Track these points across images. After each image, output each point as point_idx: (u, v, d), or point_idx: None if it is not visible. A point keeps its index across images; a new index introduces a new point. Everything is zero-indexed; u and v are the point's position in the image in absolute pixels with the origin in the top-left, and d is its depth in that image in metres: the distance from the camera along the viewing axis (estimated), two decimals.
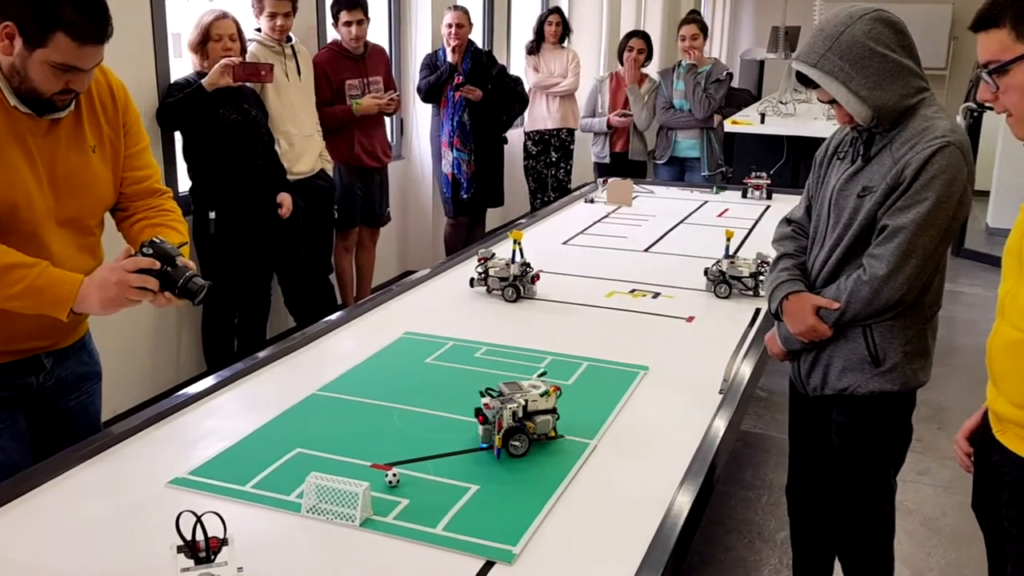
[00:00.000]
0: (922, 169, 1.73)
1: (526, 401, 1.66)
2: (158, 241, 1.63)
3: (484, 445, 1.67)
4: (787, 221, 2.11)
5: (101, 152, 1.77)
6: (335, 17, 4.18)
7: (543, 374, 1.79)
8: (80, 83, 1.63)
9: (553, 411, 1.70)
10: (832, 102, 1.83)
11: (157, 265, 1.60)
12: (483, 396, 1.68)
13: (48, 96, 1.61)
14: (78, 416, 1.91)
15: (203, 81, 3.32)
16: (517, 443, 1.64)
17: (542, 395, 1.68)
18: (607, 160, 5.14)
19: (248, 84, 3.54)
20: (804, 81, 1.85)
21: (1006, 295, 1.47)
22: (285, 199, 3.63)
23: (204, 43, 3.41)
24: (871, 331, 1.86)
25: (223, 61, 3.32)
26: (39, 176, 1.66)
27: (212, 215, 3.42)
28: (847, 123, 1.86)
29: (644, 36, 5.13)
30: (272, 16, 3.73)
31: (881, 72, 1.76)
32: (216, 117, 3.37)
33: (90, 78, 1.66)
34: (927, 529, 2.90)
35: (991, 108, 1.47)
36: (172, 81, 3.47)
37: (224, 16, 3.43)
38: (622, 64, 5.06)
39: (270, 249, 3.68)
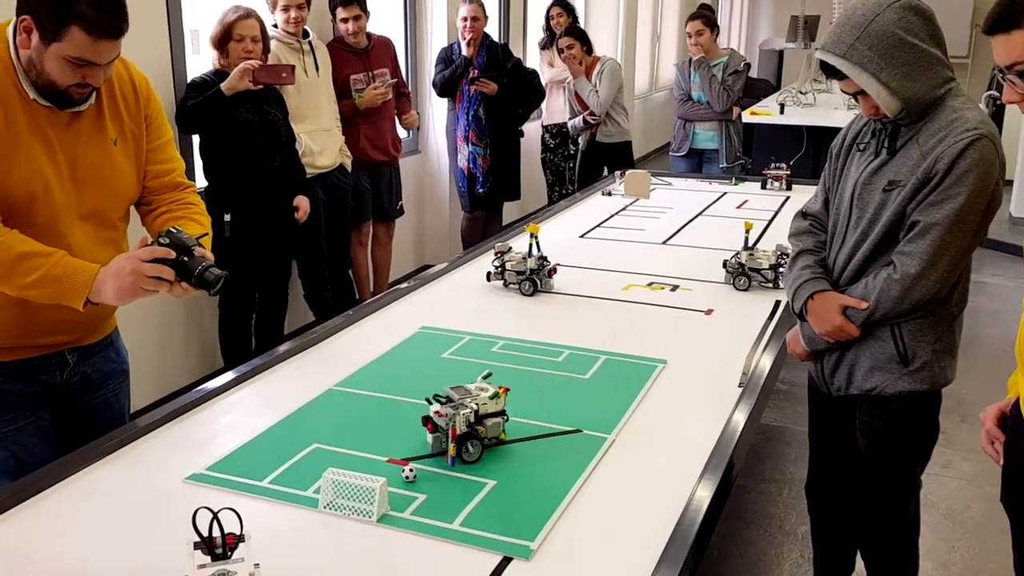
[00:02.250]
0: (955, 163, 1.68)
1: (477, 406, 1.61)
2: (175, 231, 1.62)
3: (434, 454, 1.62)
4: (803, 215, 2.05)
5: (123, 145, 1.78)
6: (332, 13, 4.19)
7: (488, 375, 1.71)
8: (96, 77, 1.63)
9: (502, 413, 1.65)
10: (859, 93, 1.77)
11: (172, 255, 1.59)
12: (431, 403, 1.63)
13: (64, 89, 1.61)
14: (103, 414, 1.92)
15: (222, 85, 3.23)
16: (471, 449, 1.59)
17: (491, 398, 1.63)
18: (585, 148, 5.27)
19: (290, 87, 3.49)
20: (829, 71, 1.78)
21: None
22: (302, 202, 3.55)
23: (225, 41, 3.32)
24: (900, 330, 1.81)
25: (242, 65, 3.22)
26: (59, 168, 1.67)
27: (227, 218, 3.35)
28: (873, 115, 1.80)
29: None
30: (286, 9, 3.74)
31: (911, 63, 1.71)
32: (234, 118, 3.30)
33: (108, 72, 1.66)
34: (951, 522, 2.86)
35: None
36: (190, 80, 3.39)
37: (248, 15, 3.33)
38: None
39: (287, 249, 3.62)
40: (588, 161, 5.27)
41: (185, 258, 1.60)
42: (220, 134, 3.33)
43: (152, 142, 1.84)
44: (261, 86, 3.31)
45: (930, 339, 1.82)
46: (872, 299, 1.79)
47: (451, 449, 1.58)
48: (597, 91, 5.06)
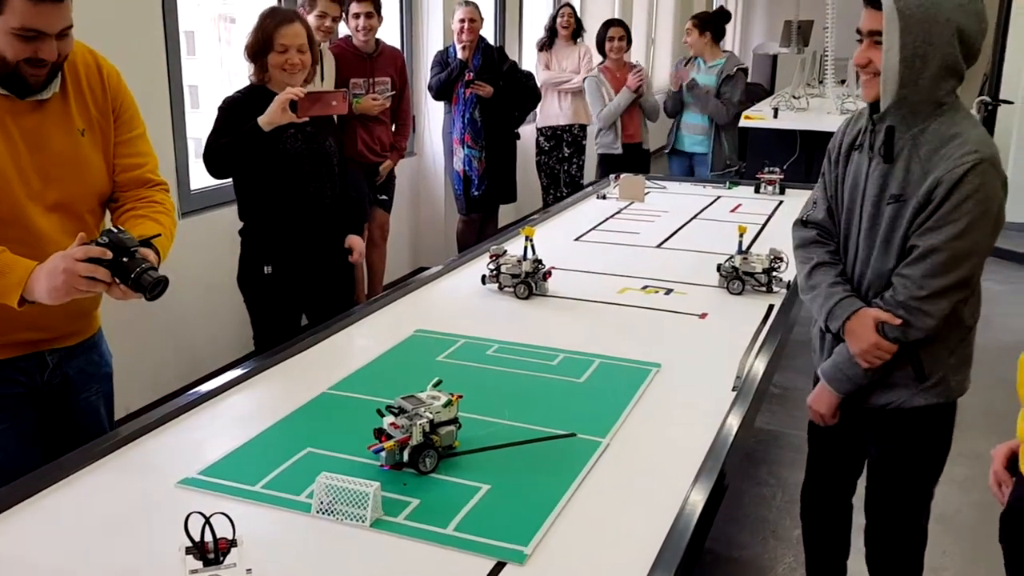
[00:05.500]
0: (955, 188, 1.64)
1: (432, 415, 1.58)
2: (115, 231, 1.57)
3: (387, 467, 1.58)
4: (804, 223, 1.97)
5: (91, 136, 1.74)
6: (345, 10, 4.17)
7: (438, 383, 1.68)
8: (49, 50, 1.58)
9: (455, 421, 1.63)
10: (872, 35, 1.68)
11: (109, 255, 1.54)
12: (383, 415, 1.60)
13: (15, 67, 1.57)
14: (84, 417, 1.90)
15: (260, 120, 2.52)
16: (428, 459, 1.57)
17: (445, 406, 1.61)
18: (619, 151, 5.05)
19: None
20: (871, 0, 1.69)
21: None
22: (356, 243, 2.84)
23: (265, 52, 2.61)
24: (915, 347, 1.78)
25: (283, 95, 2.51)
26: (19, 159, 1.63)
27: (268, 269, 2.72)
28: (862, 66, 1.73)
29: (623, 25, 5.22)
30: (322, 16, 3.72)
31: (939, 55, 1.64)
32: (277, 147, 2.61)
33: (65, 49, 1.62)
34: (942, 527, 2.86)
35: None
36: (221, 104, 2.67)
37: (293, 19, 2.64)
38: (603, 55, 5.11)
39: (339, 296, 2.90)
40: (625, 165, 4.92)
41: (124, 259, 1.55)
42: (261, 168, 2.64)
43: (122, 135, 1.80)
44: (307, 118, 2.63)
45: (945, 355, 1.80)
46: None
47: (405, 458, 1.55)
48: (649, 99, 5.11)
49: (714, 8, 5.59)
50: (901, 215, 1.73)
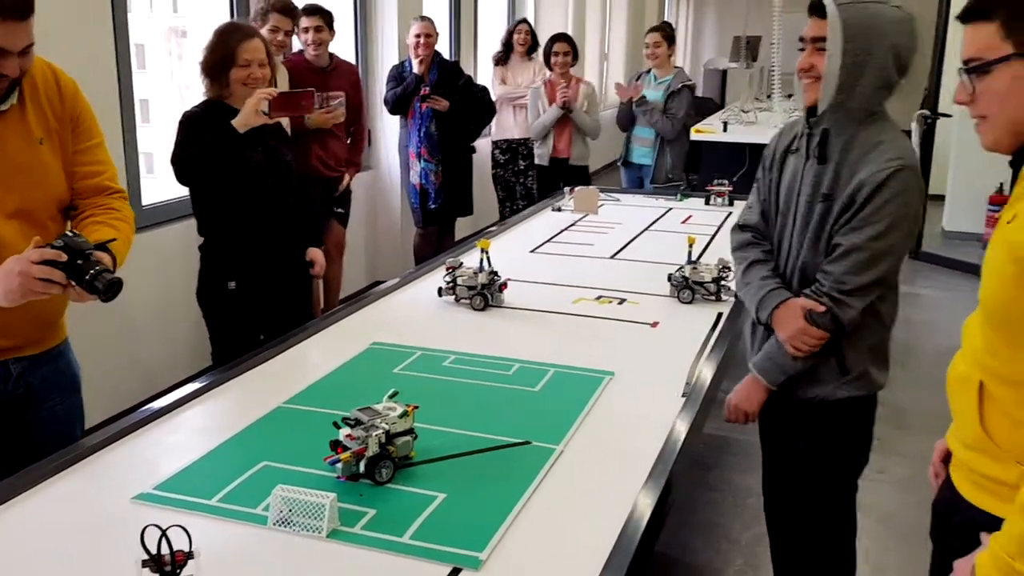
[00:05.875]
0: (876, 191, 1.76)
1: (388, 426, 1.60)
2: (71, 234, 1.63)
3: (343, 478, 1.59)
4: (740, 227, 2.08)
5: (49, 144, 1.78)
6: (296, 23, 4.19)
7: (394, 395, 1.70)
8: (11, 67, 1.62)
9: (411, 432, 1.65)
10: (816, 41, 1.79)
11: (64, 257, 1.59)
12: (339, 427, 1.61)
13: None
14: (49, 426, 1.90)
15: (234, 122, 2.55)
16: (385, 470, 1.59)
17: (400, 416, 1.63)
18: (545, 163, 5.27)
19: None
20: (813, 9, 1.80)
21: (966, 326, 1.38)
22: (317, 256, 2.86)
23: (226, 68, 2.62)
24: (838, 344, 1.89)
25: (259, 94, 2.56)
26: None
27: (232, 285, 2.71)
28: (804, 71, 1.84)
29: (568, 40, 5.27)
30: (274, 31, 3.72)
31: (876, 65, 1.76)
32: (242, 160, 2.60)
33: (26, 65, 1.65)
34: (884, 526, 2.96)
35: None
36: (185, 114, 2.67)
37: (253, 35, 2.69)
38: (550, 68, 5.21)
39: (300, 309, 2.90)
40: (549, 178, 5.26)
41: (79, 261, 1.60)
42: (224, 181, 2.63)
43: (80, 144, 1.84)
44: (276, 120, 2.69)
45: (864, 351, 1.91)
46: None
47: (362, 469, 1.57)
48: (590, 118, 5.20)
49: (660, 23, 5.67)
50: (829, 214, 1.85)
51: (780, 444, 2.13)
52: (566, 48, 5.15)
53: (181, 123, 2.66)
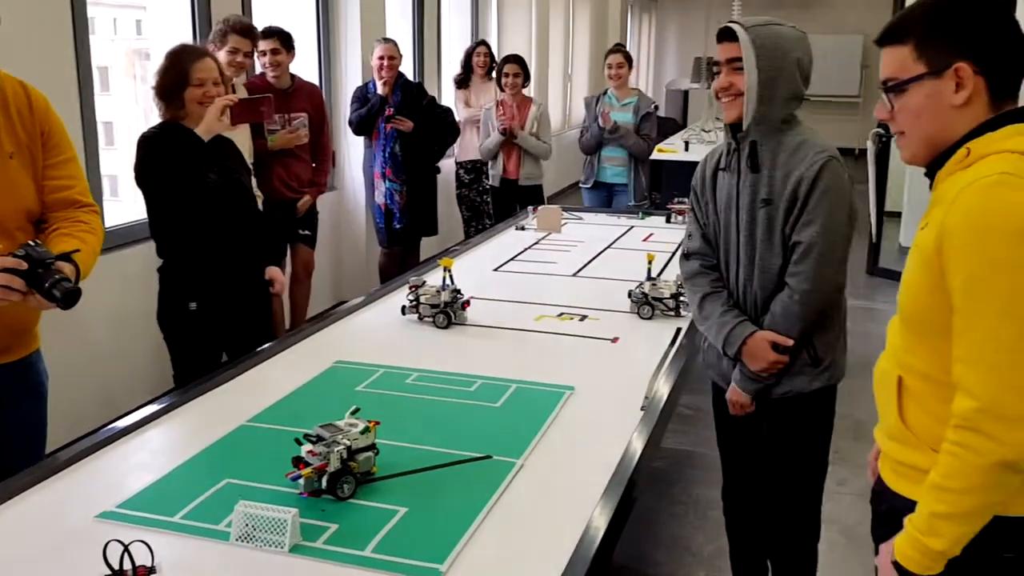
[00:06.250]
0: (815, 184, 1.93)
1: (350, 442, 1.62)
2: (32, 244, 1.70)
3: (306, 494, 1.61)
4: (687, 256, 2.18)
5: (20, 158, 1.84)
6: (255, 45, 4.21)
7: (356, 411, 1.73)
8: None
9: (373, 448, 1.67)
10: (731, 62, 1.95)
11: (24, 266, 1.65)
12: (301, 444, 1.64)
13: None
14: (14, 434, 1.92)
15: (198, 130, 2.61)
16: (346, 485, 1.61)
17: (362, 432, 1.65)
18: (498, 184, 5.35)
19: (225, 135, 2.78)
20: (723, 36, 1.97)
21: (890, 326, 1.48)
22: (276, 275, 2.86)
23: (181, 89, 2.65)
24: (810, 336, 2.02)
25: (220, 101, 2.62)
26: None
27: (193, 306, 2.70)
28: (722, 90, 2.00)
29: (518, 61, 5.33)
30: (233, 52, 3.73)
31: (787, 76, 1.95)
32: (200, 179, 2.62)
33: None
34: (846, 538, 3.02)
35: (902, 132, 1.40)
36: (143, 135, 2.70)
37: (204, 55, 2.75)
38: (501, 89, 5.29)
39: (262, 327, 2.89)
40: (502, 199, 5.38)
41: (39, 270, 1.67)
42: (183, 199, 2.64)
43: (50, 158, 1.90)
44: (235, 128, 2.77)
45: (832, 340, 2.06)
46: (784, 328, 1.99)
47: (323, 485, 1.59)
48: (540, 140, 5.25)
49: (616, 45, 5.77)
50: (774, 216, 1.99)
51: (745, 445, 2.21)
52: (516, 69, 5.22)
53: (139, 143, 2.68)
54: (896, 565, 1.29)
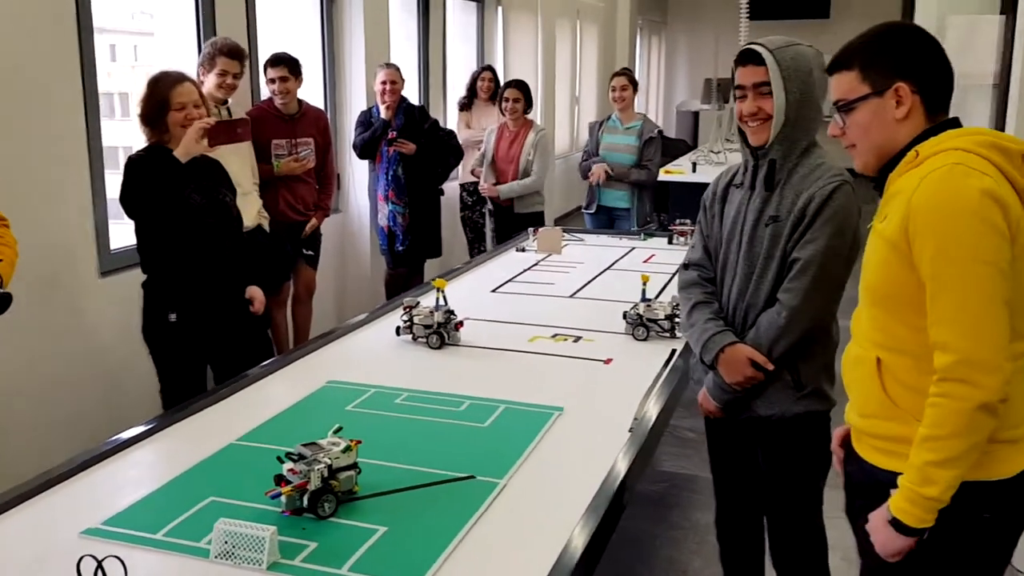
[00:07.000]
0: (825, 204, 1.94)
1: (330, 460, 1.63)
2: None
3: (287, 512, 1.62)
4: (686, 266, 2.21)
5: None
6: (265, 73, 4.28)
7: (338, 430, 1.74)
8: None
9: (354, 466, 1.68)
10: (759, 86, 1.95)
11: None
12: (283, 462, 1.65)
13: None
14: None
15: (176, 152, 2.68)
16: (327, 504, 1.62)
17: (344, 451, 1.66)
18: (491, 208, 5.33)
19: (210, 155, 2.88)
20: (746, 58, 1.98)
21: (853, 320, 1.62)
22: (255, 294, 2.95)
23: (162, 114, 2.74)
24: (794, 361, 2.01)
25: (198, 124, 2.70)
26: None
27: (173, 317, 2.75)
28: (751, 115, 1.99)
29: (519, 87, 5.30)
30: (223, 74, 3.77)
31: (811, 98, 1.97)
32: (182, 199, 2.71)
33: None
34: (847, 563, 2.98)
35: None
36: (130, 158, 2.78)
37: (183, 79, 2.81)
38: (502, 113, 5.27)
39: (242, 345, 2.94)
40: (502, 222, 5.30)
41: None
42: (165, 219, 2.72)
43: None
44: (215, 148, 2.84)
45: (817, 368, 2.04)
46: (767, 342, 1.99)
47: (304, 503, 1.60)
48: (533, 170, 5.18)
49: (623, 69, 5.80)
50: (779, 234, 2.00)
51: (739, 471, 2.21)
52: (516, 94, 5.21)
53: (126, 166, 2.76)
54: (894, 523, 1.42)
